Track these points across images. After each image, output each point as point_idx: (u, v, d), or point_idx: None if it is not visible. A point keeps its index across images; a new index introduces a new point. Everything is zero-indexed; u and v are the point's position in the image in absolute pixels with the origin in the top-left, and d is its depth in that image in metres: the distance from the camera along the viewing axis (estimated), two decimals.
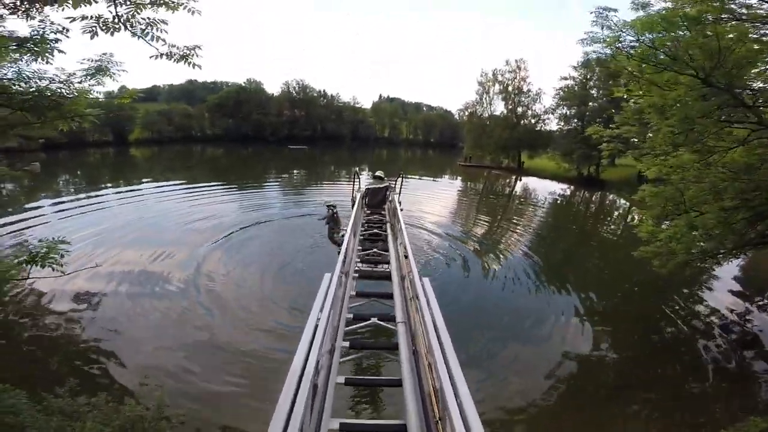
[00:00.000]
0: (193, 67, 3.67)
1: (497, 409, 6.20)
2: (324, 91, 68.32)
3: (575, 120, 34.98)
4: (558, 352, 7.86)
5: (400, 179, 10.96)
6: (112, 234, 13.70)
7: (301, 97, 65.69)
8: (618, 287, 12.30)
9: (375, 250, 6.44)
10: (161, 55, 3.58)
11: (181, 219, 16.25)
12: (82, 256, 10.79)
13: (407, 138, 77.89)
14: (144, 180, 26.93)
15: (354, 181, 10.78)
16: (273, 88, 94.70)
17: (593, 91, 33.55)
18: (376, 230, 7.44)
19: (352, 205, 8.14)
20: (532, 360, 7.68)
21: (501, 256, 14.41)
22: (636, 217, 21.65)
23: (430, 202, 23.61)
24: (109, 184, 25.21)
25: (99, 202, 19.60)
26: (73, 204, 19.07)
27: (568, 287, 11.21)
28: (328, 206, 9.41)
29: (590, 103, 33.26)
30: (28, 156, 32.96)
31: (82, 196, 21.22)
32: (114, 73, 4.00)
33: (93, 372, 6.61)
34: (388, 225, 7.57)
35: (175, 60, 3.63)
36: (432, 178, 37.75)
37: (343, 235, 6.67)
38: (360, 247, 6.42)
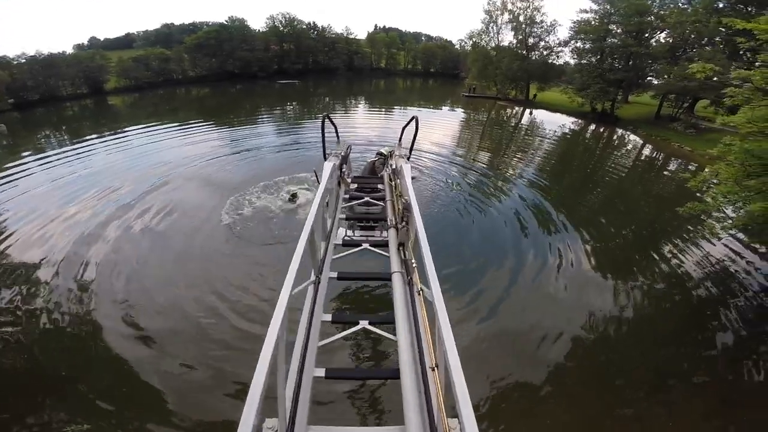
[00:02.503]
0: None
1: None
2: (313, 22, 62.65)
3: (591, 54, 32.28)
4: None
5: (413, 126, 7.11)
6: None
7: (288, 30, 60.10)
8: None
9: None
10: None
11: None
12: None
13: (406, 68, 73.29)
14: (127, 126, 25.42)
15: (324, 134, 6.78)
16: (258, 23, 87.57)
17: (614, 27, 30.23)
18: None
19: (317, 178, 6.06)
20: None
21: (502, 189, 13.98)
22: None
23: (430, 132, 22.66)
24: (93, 134, 23.58)
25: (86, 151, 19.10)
26: (58, 156, 18.51)
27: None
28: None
29: (609, 39, 30.28)
30: None
31: (67, 148, 20.25)
32: None
33: None
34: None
35: None
36: (432, 108, 35.56)
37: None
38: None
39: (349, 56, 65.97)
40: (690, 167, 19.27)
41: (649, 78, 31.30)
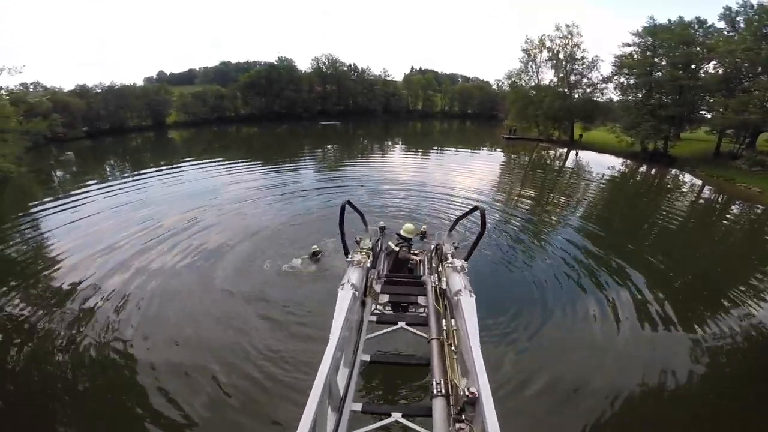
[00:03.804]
0: None
1: None
2: (354, 64, 66.48)
3: (636, 90, 31.16)
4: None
5: (479, 218, 4.47)
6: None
7: (331, 72, 64.11)
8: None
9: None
10: None
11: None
12: None
13: (442, 110, 74.62)
14: (183, 160, 27.39)
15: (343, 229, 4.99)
16: (304, 64, 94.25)
17: (659, 59, 29.30)
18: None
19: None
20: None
21: (545, 237, 13.22)
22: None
23: (468, 176, 22.55)
24: (152, 165, 25.46)
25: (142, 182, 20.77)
26: (119, 185, 20.25)
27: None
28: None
29: (656, 73, 29.20)
30: (67, 145, 34.54)
31: (128, 178, 22.20)
32: None
33: None
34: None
35: None
36: (470, 151, 35.52)
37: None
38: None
39: (386, 98, 68.35)
40: (757, 209, 17.55)
41: (701, 112, 29.75)
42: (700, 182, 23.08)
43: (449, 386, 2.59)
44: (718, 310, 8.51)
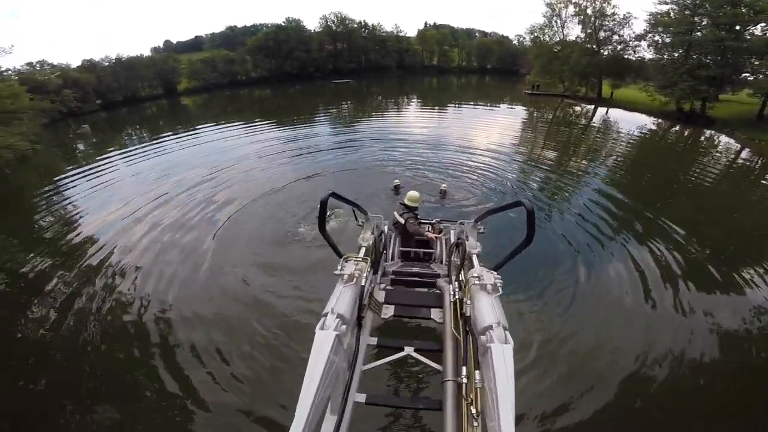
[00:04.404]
0: None
1: None
2: (364, 21, 63.21)
3: (672, 49, 28.71)
4: None
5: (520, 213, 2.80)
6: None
7: (341, 30, 61.38)
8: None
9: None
10: None
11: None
12: None
13: (460, 65, 71.39)
14: (199, 124, 27.29)
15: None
16: (312, 24, 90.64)
17: (700, 18, 26.61)
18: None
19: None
20: None
21: (569, 193, 12.72)
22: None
23: (488, 130, 22.00)
24: (169, 132, 25.35)
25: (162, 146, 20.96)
26: (138, 151, 20.55)
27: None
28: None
29: (696, 33, 26.68)
30: (83, 118, 34.97)
31: (146, 144, 22.40)
32: None
33: None
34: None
35: None
36: (489, 106, 34.08)
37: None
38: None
39: (399, 54, 65.85)
40: None
41: (745, 74, 27.28)
42: (737, 145, 21.23)
43: None
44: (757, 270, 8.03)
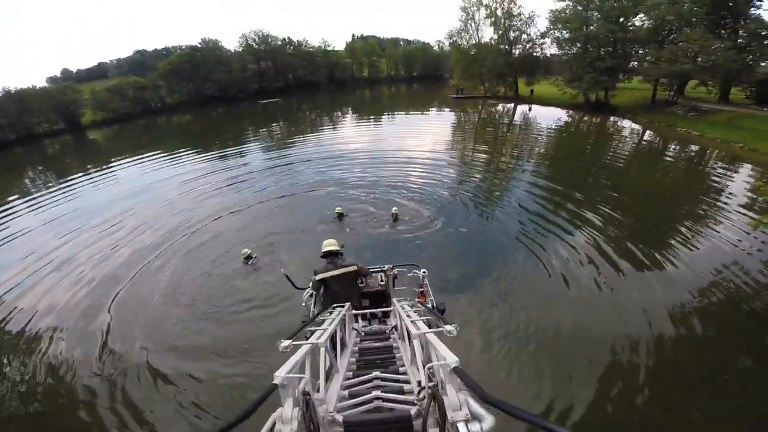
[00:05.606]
0: None
1: None
2: (288, 38, 61.57)
3: (571, 44, 31.68)
4: None
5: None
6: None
7: (263, 48, 59.23)
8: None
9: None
10: None
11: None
12: None
13: (389, 74, 73.39)
14: (114, 160, 24.51)
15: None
16: (232, 43, 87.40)
17: (592, 13, 29.65)
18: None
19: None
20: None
21: (502, 188, 13.89)
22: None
23: (422, 138, 22.61)
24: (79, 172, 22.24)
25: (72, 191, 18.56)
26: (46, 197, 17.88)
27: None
28: None
29: (591, 27, 29.50)
30: None
31: (54, 188, 19.55)
32: None
33: None
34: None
35: None
36: (420, 113, 35.28)
37: None
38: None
39: (329, 69, 65.11)
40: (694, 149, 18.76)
41: (633, 63, 31.07)
42: (640, 129, 24.00)
43: None
44: (676, 236, 9.32)
